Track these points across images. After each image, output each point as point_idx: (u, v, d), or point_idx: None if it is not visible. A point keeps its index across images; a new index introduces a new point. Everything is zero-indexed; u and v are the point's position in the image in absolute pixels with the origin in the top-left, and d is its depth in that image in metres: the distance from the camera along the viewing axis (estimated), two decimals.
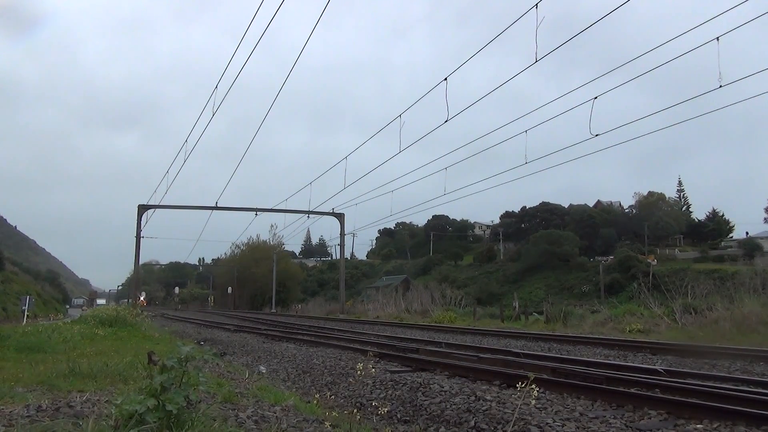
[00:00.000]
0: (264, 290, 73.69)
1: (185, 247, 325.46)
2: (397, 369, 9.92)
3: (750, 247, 70.81)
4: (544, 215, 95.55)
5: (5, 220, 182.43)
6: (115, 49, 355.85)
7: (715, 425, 5.46)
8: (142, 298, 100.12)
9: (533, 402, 6.18)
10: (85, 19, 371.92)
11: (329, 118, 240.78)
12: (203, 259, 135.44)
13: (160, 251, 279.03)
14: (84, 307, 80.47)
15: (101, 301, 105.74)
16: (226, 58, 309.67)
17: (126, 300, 47.80)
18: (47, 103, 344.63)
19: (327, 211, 41.96)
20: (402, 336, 18.59)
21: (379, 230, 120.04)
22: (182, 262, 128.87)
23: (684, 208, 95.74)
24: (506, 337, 18.16)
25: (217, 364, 10.84)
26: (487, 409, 6.37)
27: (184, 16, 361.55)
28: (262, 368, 11.64)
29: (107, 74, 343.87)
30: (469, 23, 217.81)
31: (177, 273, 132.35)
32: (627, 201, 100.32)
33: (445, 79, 15.64)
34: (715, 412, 5.74)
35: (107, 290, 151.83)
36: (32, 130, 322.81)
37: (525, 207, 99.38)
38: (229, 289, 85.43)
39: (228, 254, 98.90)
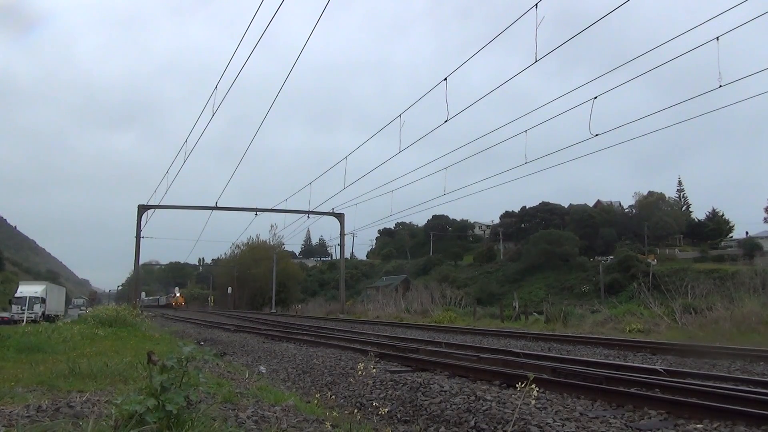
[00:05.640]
0: (264, 290, 73.65)
1: (185, 247, 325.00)
2: (397, 369, 9.91)
3: (750, 246, 70.92)
4: (544, 215, 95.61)
5: (5, 220, 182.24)
6: (111, 47, 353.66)
7: (715, 425, 5.46)
8: (178, 295, 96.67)
9: (533, 402, 6.19)
10: (80, 16, 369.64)
11: (329, 118, 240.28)
12: (203, 259, 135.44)
13: (160, 251, 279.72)
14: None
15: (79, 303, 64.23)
16: (224, 54, 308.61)
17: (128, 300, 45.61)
18: (44, 102, 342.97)
19: (327, 211, 42.05)
20: (402, 336, 18.59)
21: (379, 230, 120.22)
22: (182, 262, 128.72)
23: (684, 208, 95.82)
24: (506, 337, 18.15)
25: (217, 364, 10.84)
26: (487, 409, 6.36)
27: (181, 12, 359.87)
28: (262, 368, 11.64)
29: (104, 72, 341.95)
30: (471, 19, 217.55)
31: (177, 273, 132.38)
32: (627, 201, 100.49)
33: (445, 79, 15.67)
34: (715, 412, 5.74)
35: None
36: (29, 129, 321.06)
37: (525, 207, 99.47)
38: (229, 289, 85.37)
39: (228, 254, 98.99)
